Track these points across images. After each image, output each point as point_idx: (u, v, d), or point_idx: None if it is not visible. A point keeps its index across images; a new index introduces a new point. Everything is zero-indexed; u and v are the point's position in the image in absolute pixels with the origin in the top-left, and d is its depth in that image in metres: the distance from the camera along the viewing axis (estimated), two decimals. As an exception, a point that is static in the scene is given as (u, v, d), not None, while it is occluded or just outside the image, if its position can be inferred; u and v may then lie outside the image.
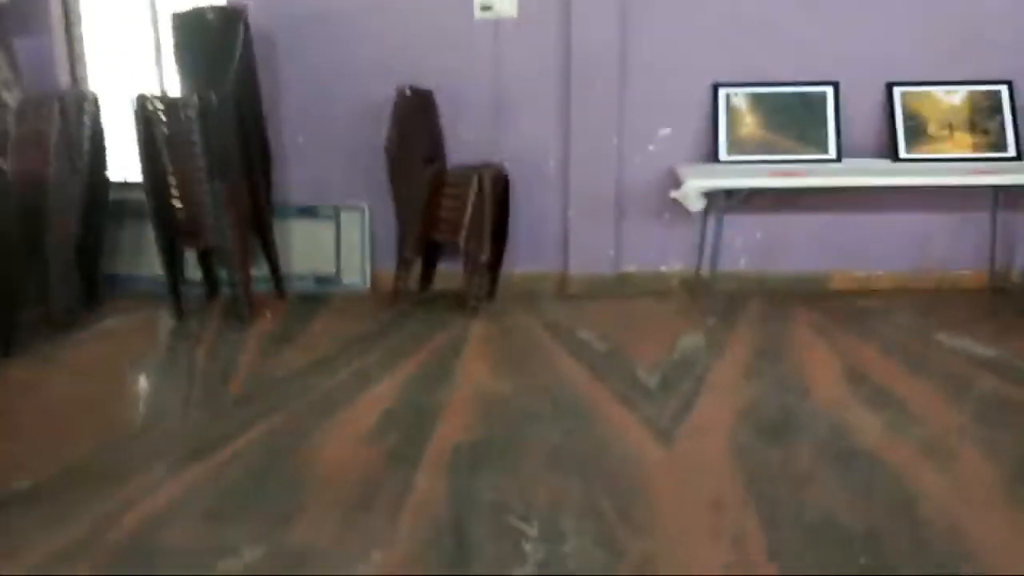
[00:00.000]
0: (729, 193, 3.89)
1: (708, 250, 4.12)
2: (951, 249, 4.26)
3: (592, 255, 4.25)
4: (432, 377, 3.33)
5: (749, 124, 4.09)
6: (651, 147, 4.21)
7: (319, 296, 4.27)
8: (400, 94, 3.90)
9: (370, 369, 3.41)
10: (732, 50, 4.11)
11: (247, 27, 3.89)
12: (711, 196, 3.85)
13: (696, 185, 3.77)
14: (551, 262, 4.33)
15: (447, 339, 3.70)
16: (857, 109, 4.12)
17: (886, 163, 4.04)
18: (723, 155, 4.08)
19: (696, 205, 3.82)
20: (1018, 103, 4.07)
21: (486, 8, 4.08)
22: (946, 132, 4.05)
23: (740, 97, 4.11)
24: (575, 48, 4.06)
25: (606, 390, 3.21)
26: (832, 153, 4.05)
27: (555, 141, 4.19)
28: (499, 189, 3.99)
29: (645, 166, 4.21)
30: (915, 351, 3.54)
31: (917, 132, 4.05)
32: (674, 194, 3.81)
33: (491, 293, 4.20)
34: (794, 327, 3.81)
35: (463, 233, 3.90)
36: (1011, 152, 4.02)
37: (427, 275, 4.26)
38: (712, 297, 4.13)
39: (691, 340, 3.70)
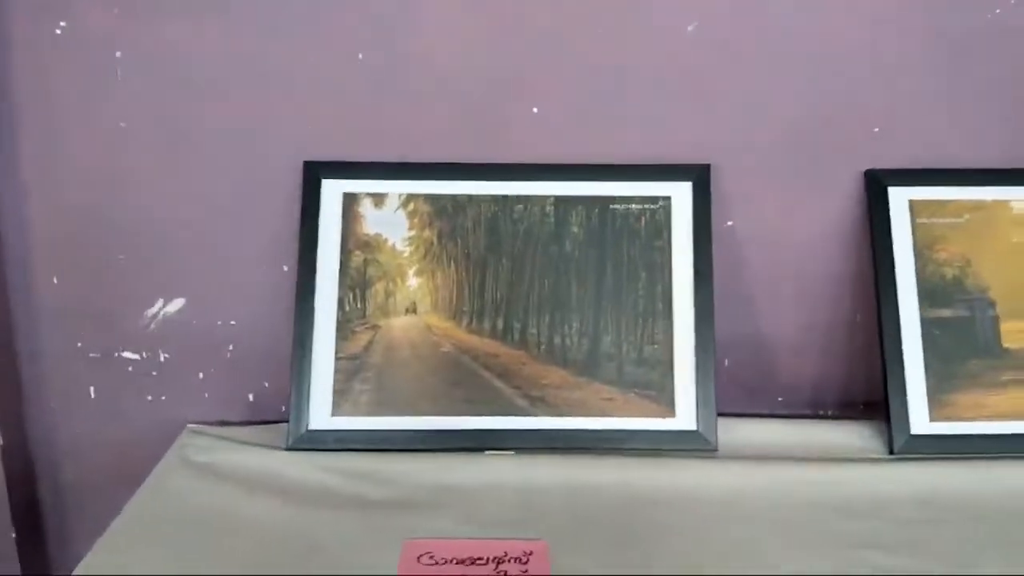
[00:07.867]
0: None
1: None
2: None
3: None
4: None
5: (413, 295, 1.23)
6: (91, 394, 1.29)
7: None
8: None
9: None
10: (367, 63, 1.20)
11: None
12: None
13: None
14: None
15: None
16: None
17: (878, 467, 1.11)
18: (318, 417, 1.16)
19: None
20: None
21: None
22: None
23: (393, 206, 1.23)
24: None
25: None
26: (689, 423, 1.17)
27: None
28: None
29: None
30: None
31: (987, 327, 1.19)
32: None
33: None
34: None
35: None
36: None
37: None
38: None
39: None
